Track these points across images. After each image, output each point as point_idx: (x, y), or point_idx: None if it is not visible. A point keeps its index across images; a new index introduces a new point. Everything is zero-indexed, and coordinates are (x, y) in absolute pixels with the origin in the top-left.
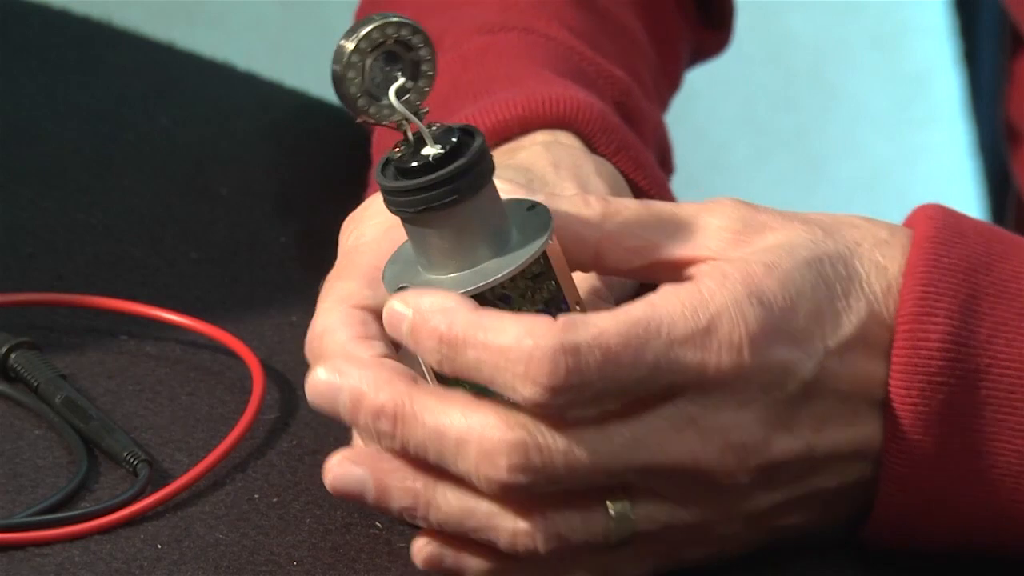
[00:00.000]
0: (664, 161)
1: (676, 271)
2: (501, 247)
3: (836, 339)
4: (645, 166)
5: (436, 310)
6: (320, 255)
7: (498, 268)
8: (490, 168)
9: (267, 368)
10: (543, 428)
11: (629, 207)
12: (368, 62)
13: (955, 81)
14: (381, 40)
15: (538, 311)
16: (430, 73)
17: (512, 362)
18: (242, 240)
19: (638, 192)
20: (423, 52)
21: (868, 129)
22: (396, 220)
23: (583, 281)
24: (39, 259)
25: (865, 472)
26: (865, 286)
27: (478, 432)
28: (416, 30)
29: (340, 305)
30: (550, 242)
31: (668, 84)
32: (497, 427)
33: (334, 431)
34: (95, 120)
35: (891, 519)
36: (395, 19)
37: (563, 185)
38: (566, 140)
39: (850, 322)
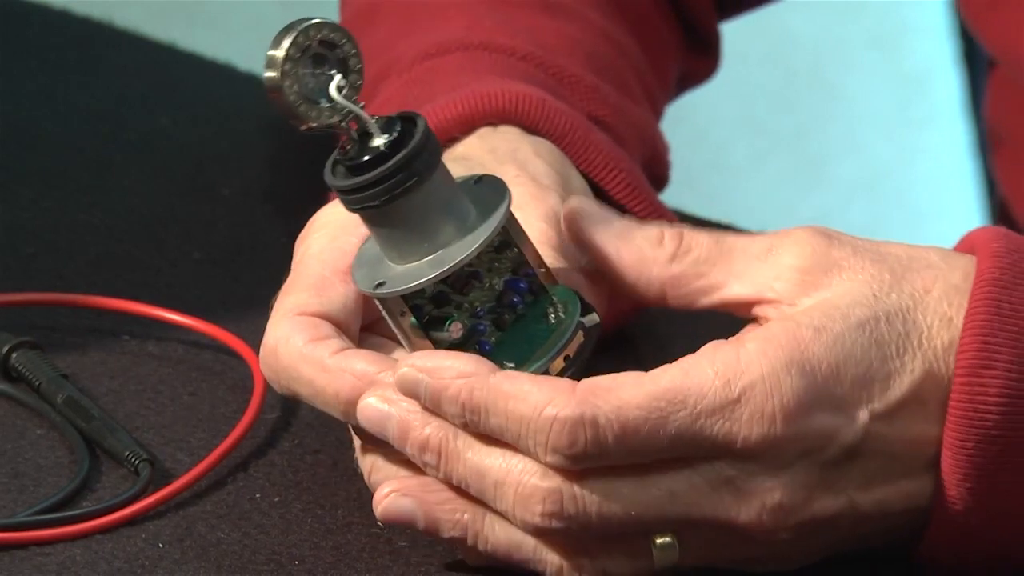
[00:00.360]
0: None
1: (742, 309)
2: (462, 224)
3: (884, 402)
4: (595, 146)
5: (455, 375)
6: None
7: (465, 246)
8: (439, 145)
9: None
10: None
11: (701, 244)
12: (300, 68)
13: (955, 81)
14: (307, 44)
15: (506, 281)
16: (359, 66)
17: (533, 431)
18: (244, 240)
19: (584, 172)
20: (347, 47)
21: (868, 129)
22: (339, 230)
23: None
24: (40, 259)
25: (915, 520)
26: (925, 342)
27: (516, 476)
28: (336, 27)
29: (288, 316)
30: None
31: (660, 86)
32: (535, 473)
33: (335, 431)
34: (95, 120)
35: (935, 559)
36: (315, 20)
37: (503, 168)
38: (504, 129)
39: (901, 384)
